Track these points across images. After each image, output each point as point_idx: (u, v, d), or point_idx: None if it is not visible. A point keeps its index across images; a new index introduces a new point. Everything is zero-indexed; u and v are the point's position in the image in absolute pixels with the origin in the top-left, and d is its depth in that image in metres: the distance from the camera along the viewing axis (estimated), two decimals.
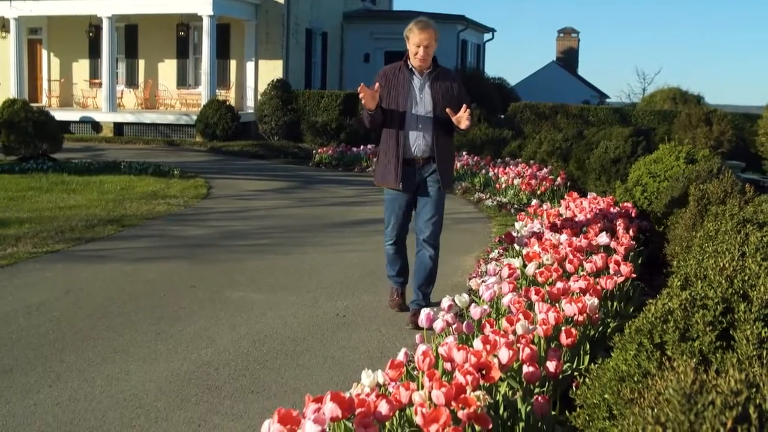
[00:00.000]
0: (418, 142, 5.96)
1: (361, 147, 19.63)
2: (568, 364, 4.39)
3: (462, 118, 5.80)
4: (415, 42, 5.87)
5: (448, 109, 5.82)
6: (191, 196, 13.07)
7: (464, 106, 5.84)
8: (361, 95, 5.73)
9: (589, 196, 8.83)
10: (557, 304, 4.77)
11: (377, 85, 5.84)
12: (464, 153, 17.41)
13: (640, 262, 6.89)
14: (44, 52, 29.76)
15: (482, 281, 5.52)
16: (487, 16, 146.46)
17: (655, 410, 2.33)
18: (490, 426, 3.21)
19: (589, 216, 7.67)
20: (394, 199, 6.15)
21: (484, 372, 3.55)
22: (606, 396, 3.18)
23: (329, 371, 5.06)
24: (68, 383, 4.82)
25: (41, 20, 28.40)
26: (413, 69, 5.99)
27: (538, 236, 6.83)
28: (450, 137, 6.15)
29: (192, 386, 4.79)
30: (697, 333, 3.11)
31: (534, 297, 4.85)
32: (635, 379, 3.12)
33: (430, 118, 5.94)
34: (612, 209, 8.08)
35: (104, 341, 5.61)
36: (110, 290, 7.00)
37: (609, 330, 5.05)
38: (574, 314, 4.61)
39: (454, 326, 4.52)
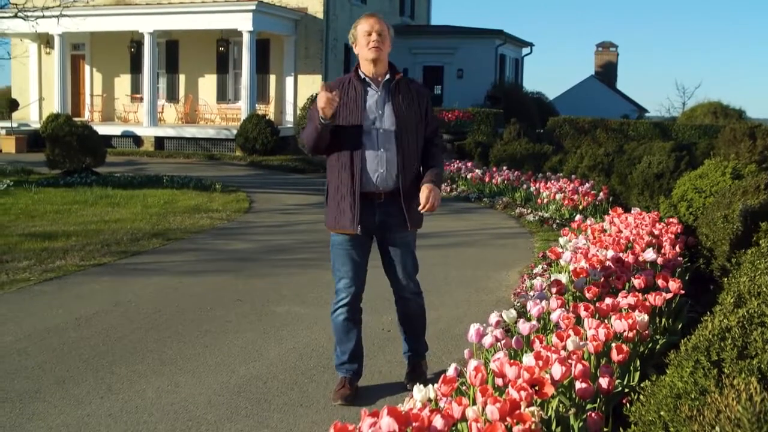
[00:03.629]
0: (379, 170, 4.69)
1: None
2: (618, 380, 4.37)
3: (426, 204, 4.66)
4: (365, 29, 4.69)
5: (422, 197, 4.66)
6: (233, 210, 13.18)
7: (426, 187, 4.67)
8: (321, 100, 4.47)
9: (633, 212, 8.77)
10: (606, 320, 4.75)
11: (334, 92, 4.53)
12: (504, 168, 17.40)
13: (687, 278, 6.83)
14: (87, 68, 30.24)
15: (532, 296, 5.50)
16: (525, 31, 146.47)
17: (717, 428, 2.32)
18: None
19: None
20: (346, 245, 4.83)
21: (537, 388, 3.54)
22: (662, 413, 3.16)
23: (377, 386, 5.07)
24: (119, 395, 4.88)
25: (84, 36, 28.86)
26: (367, 79, 4.76)
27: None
28: (418, 164, 4.86)
29: (241, 399, 4.83)
30: (756, 351, 3.09)
31: (583, 313, 4.83)
32: (692, 397, 3.09)
33: (393, 140, 4.70)
34: (657, 225, 8.02)
35: (153, 353, 5.67)
36: (157, 303, 7.07)
37: (658, 347, 5.02)
38: (624, 330, 4.59)
39: (502, 342, 4.52)
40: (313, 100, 4.94)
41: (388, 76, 4.80)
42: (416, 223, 4.88)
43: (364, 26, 4.70)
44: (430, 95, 5.03)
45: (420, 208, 4.68)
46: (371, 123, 4.69)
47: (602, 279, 5.76)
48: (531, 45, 37.04)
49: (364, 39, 4.69)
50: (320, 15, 26.57)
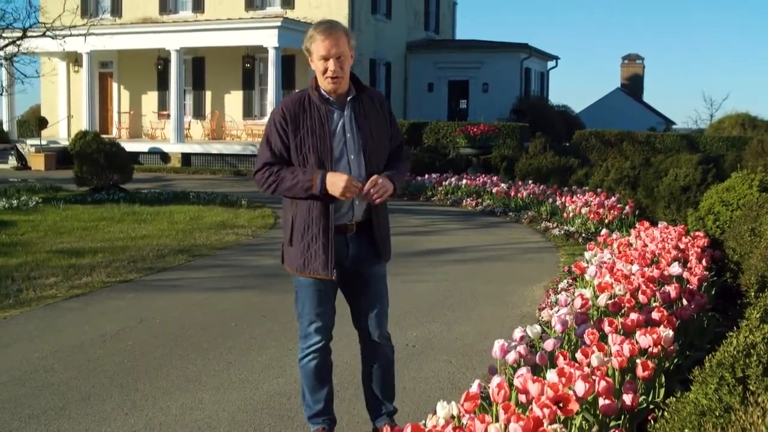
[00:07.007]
0: (355, 200, 4.11)
1: (426, 176, 19.65)
2: (643, 396, 4.33)
3: (374, 194, 4.00)
4: (321, 53, 3.94)
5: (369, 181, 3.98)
6: (259, 225, 13.24)
7: (374, 177, 3.99)
8: (343, 189, 3.89)
9: (659, 226, 8.71)
10: (631, 336, 4.70)
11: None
12: (530, 181, 17.35)
13: (713, 292, 6.76)
14: (114, 85, 30.57)
15: (555, 312, 5.46)
16: (550, 44, 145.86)
17: None
18: None
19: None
20: (318, 284, 4.20)
21: (560, 405, 3.51)
22: (686, 431, 3.13)
23: (401, 403, 5.04)
24: (143, 411, 4.89)
25: (112, 54, 29.19)
26: (331, 98, 4.08)
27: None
28: None
29: (265, 416, 4.84)
30: None
31: (608, 328, 4.79)
32: (717, 414, 3.06)
33: (363, 165, 4.09)
34: (683, 238, 7.95)
35: (177, 370, 5.69)
36: (182, 319, 7.10)
37: (683, 362, 4.97)
38: (649, 346, 4.54)
39: (526, 358, 4.49)
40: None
41: (354, 93, 4.14)
42: (388, 255, 4.41)
43: (319, 49, 3.95)
44: (389, 105, 4.38)
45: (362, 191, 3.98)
46: (340, 148, 4.06)
47: (627, 294, 5.71)
48: (556, 58, 36.99)
49: (321, 64, 3.98)
50: None
